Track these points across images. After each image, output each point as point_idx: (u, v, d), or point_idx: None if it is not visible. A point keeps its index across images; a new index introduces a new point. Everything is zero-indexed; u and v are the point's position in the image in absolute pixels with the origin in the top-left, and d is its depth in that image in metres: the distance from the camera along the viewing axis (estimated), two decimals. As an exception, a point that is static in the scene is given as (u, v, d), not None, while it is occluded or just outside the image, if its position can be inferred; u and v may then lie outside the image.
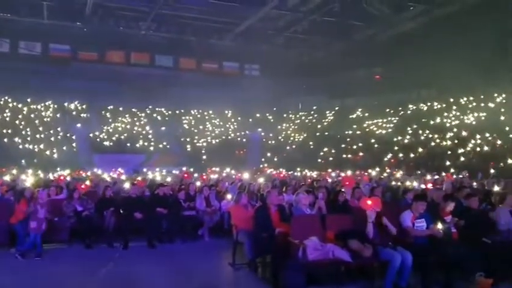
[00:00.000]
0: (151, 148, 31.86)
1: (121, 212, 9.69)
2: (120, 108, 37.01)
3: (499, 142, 23.03)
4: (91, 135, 32.42)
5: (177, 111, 38.03)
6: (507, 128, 23.99)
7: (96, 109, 35.90)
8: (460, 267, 6.47)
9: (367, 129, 33.84)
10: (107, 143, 31.52)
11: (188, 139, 34.15)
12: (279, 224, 7.10)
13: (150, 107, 37.75)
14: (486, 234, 6.92)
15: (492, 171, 17.39)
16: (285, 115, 40.10)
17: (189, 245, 9.65)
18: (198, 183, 12.86)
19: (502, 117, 25.97)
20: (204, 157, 30.16)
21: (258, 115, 39.47)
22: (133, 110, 37.22)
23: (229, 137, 35.28)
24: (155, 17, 30.64)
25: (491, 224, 7.18)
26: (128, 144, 31.59)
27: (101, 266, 7.75)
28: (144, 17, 30.88)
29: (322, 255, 6.04)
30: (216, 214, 10.39)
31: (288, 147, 33.27)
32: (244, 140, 35.10)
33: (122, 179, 16.57)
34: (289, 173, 21.88)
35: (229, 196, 10.15)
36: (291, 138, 35.50)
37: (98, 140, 32.03)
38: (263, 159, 30.53)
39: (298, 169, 23.89)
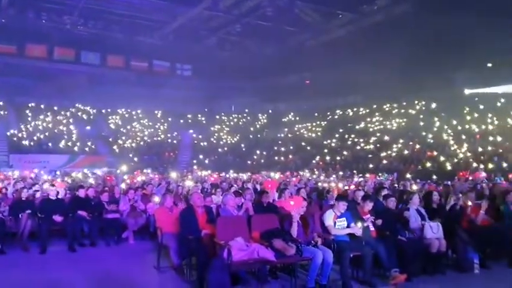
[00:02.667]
0: (76, 148, 30.35)
1: (38, 214, 9.10)
2: (42, 106, 34.91)
3: (417, 146, 24.61)
4: (8, 133, 30.25)
5: (104, 111, 36.57)
6: (424, 133, 25.71)
7: (15, 106, 33.58)
8: (377, 264, 6.80)
9: (298, 133, 34.72)
10: (26, 143, 29.55)
11: (115, 140, 32.93)
12: (205, 225, 7.04)
13: (75, 105, 35.99)
14: (401, 232, 7.35)
15: (408, 175, 18.48)
16: (217, 116, 40.02)
17: (112, 248, 9.30)
18: (123, 185, 12.44)
19: (421, 123, 27.83)
20: (135, 159, 29.25)
21: (189, 116, 39.02)
22: (55, 108, 35.25)
23: (159, 138, 34.52)
24: (81, 11, 29.31)
25: (405, 222, 7.60)
26: (50, 144, 29.84)
27: (16, 272, 7.22)
28: (69, 10, 29.43)
29: (247, 255, 6.06)
30: (141, 217, 10.10)
31: (220, 149, 33.25)
32: (174, 141, 34.53)
33: (43, 179, 15.61)
34: (221, 175, 21.84)
35: (156, 199, 9.90)
36: (223, 140, 35.51)
37: (15, 139, 29.94)
38: (194, 161, 30.21)
39: (231, 171, 23.96)
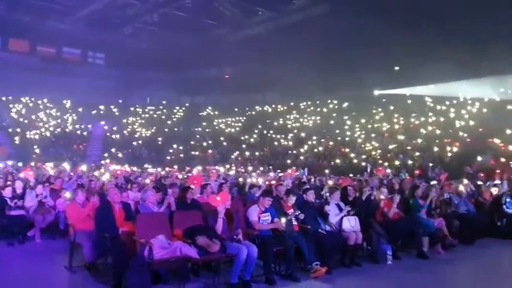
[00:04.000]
0: (-29, 139, 27.37)
1: None
2: None
3: (331, 143, 25.67)
4: None
5: (4, 98, 33.42)
6: (337, 131, 26.91)
7: None
8: (299, 258, 6.90)
9: (217, 127, 34.54)
10: None
11: (17, 130, 30.23)
12: (123, 223, 6.63)
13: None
14: (321, 226, 7.54)
15: (326, 171, 19.21)
16: (131, 108, 38.46)
17: (16, 248, 8.51)
18: (31, 179, 11.43)
19: (332, 121, 29.10)
20: (37, 151, 27.05)
21: (101, 107, 37.03)
22: None
23: (67, 130, 32.31)
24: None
25: (325, 216, 7.81)
26: None
27: None
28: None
29: (169, 253, 5.82)
30: (50, 213, 9.32)
31: (134, 143, 31.99)
32: (84, 133, 32.55)
33: None
34: (135, 169, 20.97)
35: (67, 194, 9.18)
36: (138, 133, 34.23)
37: None
38: (106, 155, 28.73)
39: (146, 165, 23.13)
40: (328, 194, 8.71)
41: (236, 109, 36.43)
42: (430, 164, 18.44)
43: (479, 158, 18.05)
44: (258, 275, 6.45)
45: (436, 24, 22.91)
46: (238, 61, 32.34)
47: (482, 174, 14.50)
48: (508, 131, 19.82)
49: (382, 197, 8.67)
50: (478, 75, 24.80)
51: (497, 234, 10.05)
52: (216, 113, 36.94)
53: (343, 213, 7.76)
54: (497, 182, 11.64)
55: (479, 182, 11.72)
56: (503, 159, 17.42)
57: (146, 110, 38.97)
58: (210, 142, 31.41)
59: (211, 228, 6.32)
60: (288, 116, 32.87)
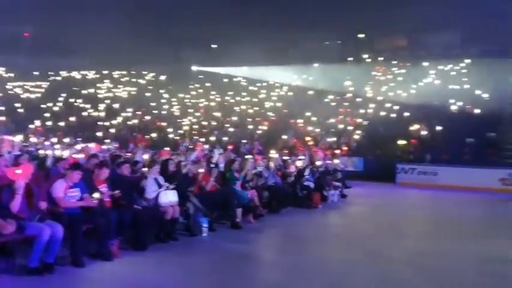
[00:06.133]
0: None
1: None
2: None
3: (147, 117, 24.87)
4: None
5: None
6: (154, 104, 26.25)
7: None
8: (110, 234, 6.33)
9: (12, 92, 30.03)
10: None
11: None
12: None
13: None
14: (137, 201, 7.12)
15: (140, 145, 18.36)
16: None
17: None
18: None
19: (149, 94, 28.29)
20: None
21: None
22: None
23: None
24: None
25: (142, 190, 7.40)
26: None
27: None
28: None
29: None
30: None
31: None
32: None
33: None
34: None
35: None
36: None
37: None
38: None
39: None
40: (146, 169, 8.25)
41: (37, 73, 32.24)
42: (243, 141, 19.43)
43: (283, 136, 19.77)
44: (64, 256, 5.70)
45: (250, 10, 24.05)
46: (42, 18, 28.43)
47: (286, 151, 15.86)
48: (308, 113, 22.28)
49: (200, 170, 8.64)
50: (286, 62, 27.19)
51: (298, 203, 11.15)
52: (11, 75, 32.07)
53: (163, 189, 7.44)
54: (302, 157, 12.86)
55: (285, 157, 12.75)
56: (304, 138, 19.47)
57: None
58: (2, 108, 27.07)
59: (5, 207, 5.27)
60: (99, 85, 30.59)
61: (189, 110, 25.44)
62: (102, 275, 5.70)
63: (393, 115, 21.93)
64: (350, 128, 20.93)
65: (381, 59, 28.79)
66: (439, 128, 19.27)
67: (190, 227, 7.86)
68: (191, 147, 17.11)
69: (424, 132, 19.26)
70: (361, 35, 29.40)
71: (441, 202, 13.75)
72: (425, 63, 25.93)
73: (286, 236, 8.55)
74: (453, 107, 20.99)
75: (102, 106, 26.84)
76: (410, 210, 12.52)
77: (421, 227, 9.99)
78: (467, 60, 25.14)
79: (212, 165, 9.32)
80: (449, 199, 14.04)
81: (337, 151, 16.64)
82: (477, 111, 20.08)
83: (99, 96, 28.83)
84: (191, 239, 7.61)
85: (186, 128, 22.54)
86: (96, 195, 6.23)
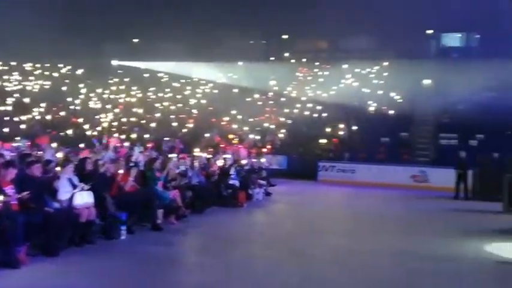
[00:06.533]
0: None
1: None
2: None
3: (62, 113, 23.33)
4: None
5: None
6: (70, 99, 24.73)
7: None
8: (17, 239, 5.75)
9: None
10: None
11: None
12: None
13: None
14: (48, 203, 6.56)
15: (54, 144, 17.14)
16: None
17: None
18: None
19: (64, 88, 26.61)
20: None
21: None
22: None
23: None
24: None
25: (54, 192, 6.84)
26: None
27: None
28: None
29: None
30: None
31: None
32: None
33: None
34: None
35: None
36: None
37: None
38: None
39: None
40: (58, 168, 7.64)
41: None
42: (166, 138, 18.89)
43: (207, 134, 19.53)
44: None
45: (173, 5, 23.54)
46: None
47: (210, 149, 15.66)
48: (233, 112, 22.23)
49: (119, 170, 8.18)
50: (211, 59, 26.90)
51: (223, 202, 11.02)
52: None
53: (77, 190, 6.91)
54: (227, 155, 12.73)
55: (209, 156, 12.54)
56: (228, 136, 19.38)
57: None
58: None
59: None
60: (7, 77, 28.16)
61: (107, 106, 24.24)
62: (7, 285, 5.14)
63: (315, 115, 22.58)
64: (274, 126, 21.21)
65: (304, 60, 29.51)
66: (357, 127, 20.18)
67: (108, 230, 7.40)
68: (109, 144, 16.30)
69: (342, 132, 20.11)
70: (285, 36, 29.94)
71: (360, 199, 14.37)
72: (344, 66, 26.96)
73: (210, 237, 8.36)
74: (370, 108, 22.04)
75: (10, 100, 24.71)
76: (332, 208, 12.93)
77: (342, 224, 10.30)
78: (385, 63, 26.43)
79: (131, 164, 8.89)
80: (367, 195, 14.72)
81: (263, 149, 16.78)
82: (392, 112, 21.25)
83: (7, 89, 26.52)
84: (108, 242, 7.18)
85: (104, 124, 21.45)
86: (1, 197, 5.62)
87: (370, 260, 6.82)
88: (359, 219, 10.78)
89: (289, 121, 21.95)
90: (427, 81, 23.79)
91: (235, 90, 25.85)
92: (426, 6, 22.25)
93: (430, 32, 26.71)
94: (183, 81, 27.74)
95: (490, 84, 20.12)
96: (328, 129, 20.33)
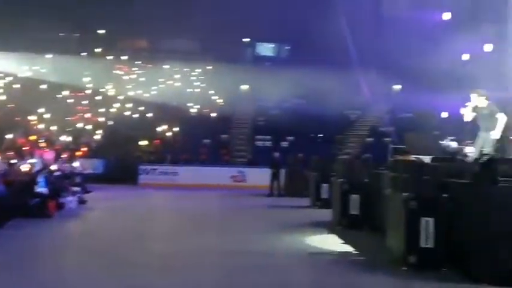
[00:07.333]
0: None
1: None
2: None
3: None
4: None
5: None
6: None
7: None
8: None
9: None
10: None
11: None
12: None
13: None
14: None
15: None
16: None
17: None
18: None
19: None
20: None
21: None
22: None
23: None
24: None
25: None
26: None
27: None
28: None
29: None
30: None
31: None
32: None
33: None
34: None
35: None
36: None
37: None
38: None
39: None
40: None
41: None
42: None
43: (9, 136, 16.98)
44: None
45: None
46: None
47: (12, 152, 13.60)
48: (41, 110, 19.83)
49: None
50: (10, 48, 23.30)
51: (29, 213, 9.56)
52: None
53: None
54: (33, 160, 11.14)
55: (12, 161, 10.84)
56: (33, 137, 17.17)
57: None
58: None
59: None
60: None
61: None
62: None
63: (136, 115, 21.75)
64: (90, 127, 19.66)
65: (124, 58, 28.02)
66: (178, 129, 20.14)
67: None
68: None
69: (169, 134, 19.91)
70: (102, 31, 28.06)
71: (182, 201, 14.26)
72: (166, 66, 26.60)
73: (13, 253, 7.03)
74: (192, 110, 22.26)
75: None
76: (153, 212, 12.47)
77: (164, 228, 9.98)
78: (209, 67, 26.87)
79: None
80: (189, 197, 14.71)
81: (76, 153, 15.31)
82: (213, 114, 21.84)
83: None
84: None
85: None
86: None
87: (193, 261, 6.69)
88: (181, 221, 10.61)
89: (109, 122, 20.62)
90: (244, 86, 25.13)
91: (44, 86, 23.11)
92: (244, 15, 23.43)
93: (246, 40, 28.34)
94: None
95: (298, 92, 22.22)
96: (153, 130, 19.80)
